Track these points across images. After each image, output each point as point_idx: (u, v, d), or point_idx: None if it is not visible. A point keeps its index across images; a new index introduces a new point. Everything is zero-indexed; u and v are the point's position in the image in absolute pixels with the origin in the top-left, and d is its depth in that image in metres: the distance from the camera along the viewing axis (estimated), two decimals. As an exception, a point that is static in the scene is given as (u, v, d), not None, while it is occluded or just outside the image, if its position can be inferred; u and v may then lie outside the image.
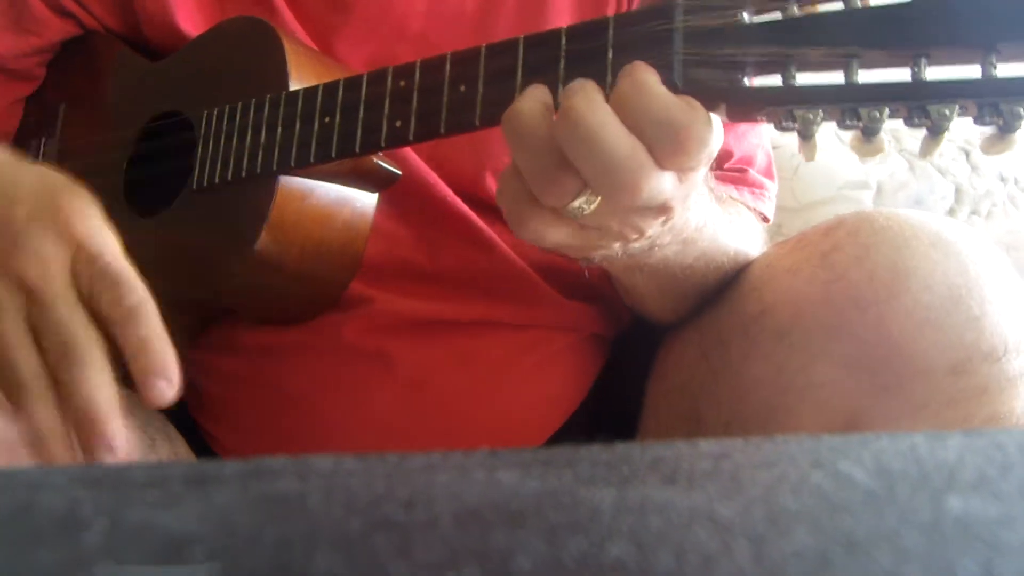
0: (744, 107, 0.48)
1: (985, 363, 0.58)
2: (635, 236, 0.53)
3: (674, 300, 0.74)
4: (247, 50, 0.71)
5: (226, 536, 0.26)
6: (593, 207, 0.49)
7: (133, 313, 0.53)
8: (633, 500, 0.28)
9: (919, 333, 0.58)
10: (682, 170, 0.49)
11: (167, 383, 0.53)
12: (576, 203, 0.49)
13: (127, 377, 0.77)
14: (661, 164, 0.47)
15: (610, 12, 0.78)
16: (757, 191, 0.85)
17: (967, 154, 1.97)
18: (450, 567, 0.24)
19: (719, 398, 0.69)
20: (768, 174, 0.87)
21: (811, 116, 0.46)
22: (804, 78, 0.46)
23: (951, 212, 1.92)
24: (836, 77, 0.45)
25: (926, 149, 0.46)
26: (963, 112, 0.43)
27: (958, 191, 1.96)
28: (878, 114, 0.44)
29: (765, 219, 0.86)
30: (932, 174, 1.93)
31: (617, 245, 0.54)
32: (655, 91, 0.46)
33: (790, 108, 0.46)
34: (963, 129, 2.06)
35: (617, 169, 0.46)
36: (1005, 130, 0.43)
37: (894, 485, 0.29)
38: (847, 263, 0.62)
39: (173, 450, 0.74)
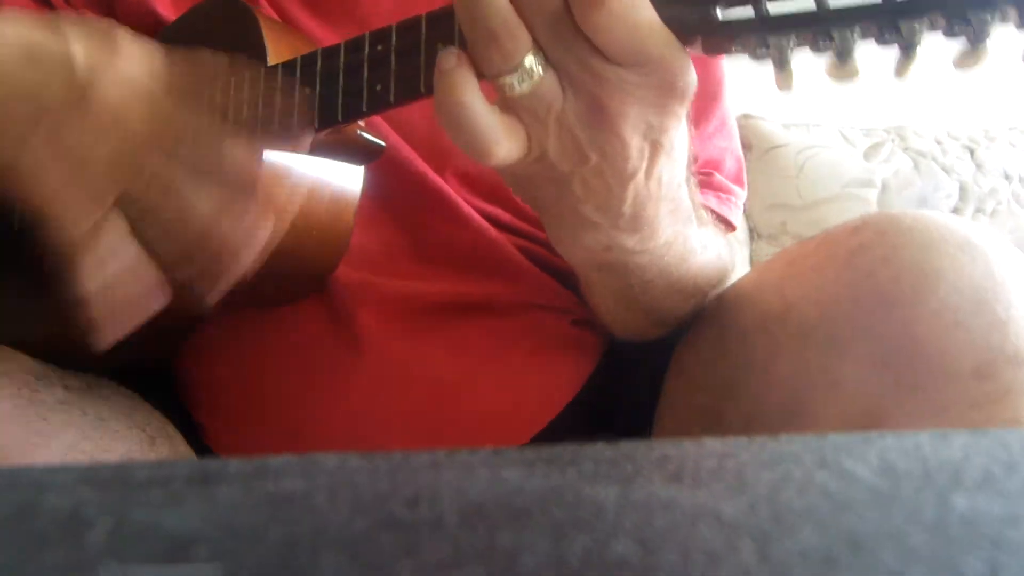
0: (718, 40, 0.48)
1: (1009, 366, 0.58)
2: (576, 160, 0.52)
3: (626, 313, 0.74)
4: (223, 29, 0.72)
5: (230, 535, 0.26)
6: (525, 85, 0.49)
7: None
8: (638, 498, 0.28)
9: (945, 334, 0.59)
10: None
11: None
12: (511, 77, 0.49)
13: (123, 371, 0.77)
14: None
15: None
16: (723, 196, 0.84)
17: (972, 152, 1.97)
18: (455, 566, 0.24)
19: (741, 394, 0.69)
20: (738, 180, 0.87)
21: (785, 42, 0.46)
22: (776, 7, 0.46)
23: (956, 210, 1.91)
24: (808, 4, 0.46)
25: (900, 69, 0.46)
26: (933, 26, 0.44)
27: (963, 189, 1.96)
28: (850, 34, 0.45)
29: (730, 226, 0.86)
30: (937, 172, 1.92)
31: (568, 169, 0.53)
32: None
33: (764, 36, 0.46)
34: (968, 128, 2.06)
35: None
36: (976, 39, 0.43)
37: (899, 484, 0.29)
38: (874, 262, 0.62)
39: (173, 448, 0.74)
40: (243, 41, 0.69)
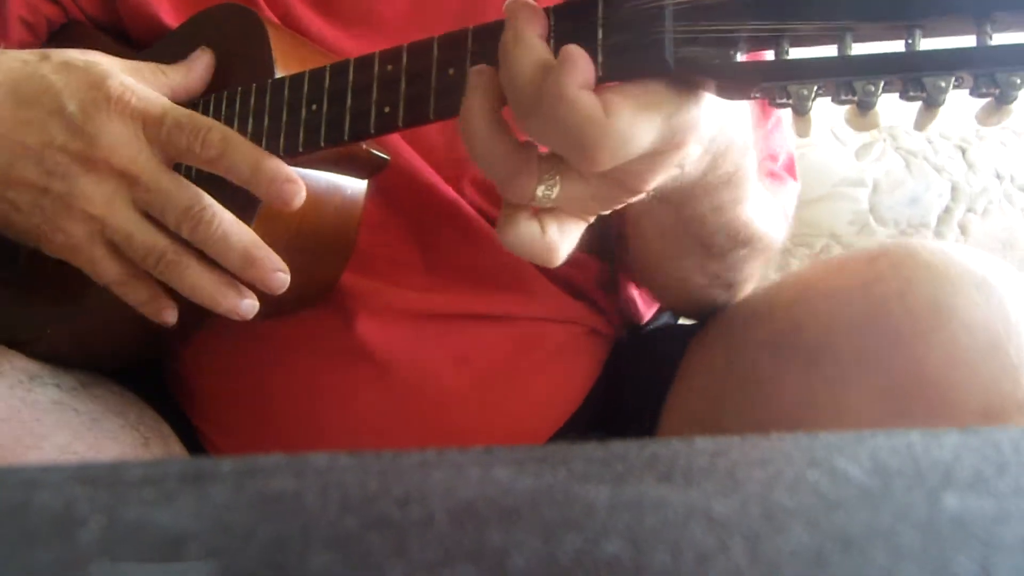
0: (737, 84, 0.48)
1: (1018, 412, 0.58)
2: (626, 198, 0.52)
3: (676, 250, 0.73)
4: (230, 37, 0.71)
5: (222, 533, 0.26)
6: (556, 191, 0.49)
7: (227, 144, 0.59)
8: (629, 497, 0.28)
9: (954, 374, 0.58)
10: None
11: (290, 184, 0.59)
12: (540, 191, 0.49)
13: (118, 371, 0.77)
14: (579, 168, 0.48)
15: None
16: (778, 182, 0.84)
17: (963, 152, 1.97)
18: (445, 565, 0.24)
19: (743, 411, 0.69)
20: (791, 173, 0.86)
21: (805, 92, 0.45)
22: (797, 52, 0.45)
23: (947, 210, 1.92)
24: (830, 51, 0.45)
25: (921, 122, 0.45)
26: (959, 84, 0.43)
27: (954, 188, 1.96)
28: (872, 88, 0.44)
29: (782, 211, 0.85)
30: (928, 172, 1.93)
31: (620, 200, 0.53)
32: (572, 100, 0.46)
33: (784, 84, 0.46)
34: (959, 127, 2.06)
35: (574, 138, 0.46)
36: (1001, 100, 0.42)
37: (890, 483, 0.29)
38: (888, 296, 0.62)
39: (167, 448, 0.74)
40: (250, 51, 0.68)
